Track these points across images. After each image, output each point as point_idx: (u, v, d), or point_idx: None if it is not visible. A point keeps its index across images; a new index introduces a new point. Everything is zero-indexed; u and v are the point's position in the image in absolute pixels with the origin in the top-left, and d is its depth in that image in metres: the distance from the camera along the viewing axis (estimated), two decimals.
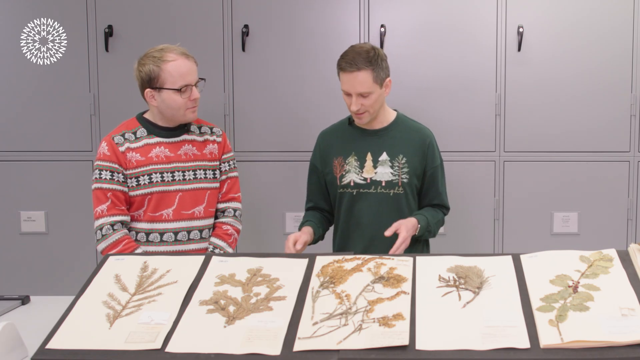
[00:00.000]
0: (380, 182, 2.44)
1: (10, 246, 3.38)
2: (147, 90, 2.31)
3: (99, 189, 2.33)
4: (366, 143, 2.47)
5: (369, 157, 2.45)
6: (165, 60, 2.28)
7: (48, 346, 1.58)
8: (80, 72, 3.29)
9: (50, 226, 3.37)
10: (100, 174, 2.33)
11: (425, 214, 2.45)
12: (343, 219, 2.51)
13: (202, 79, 2.39)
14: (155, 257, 1.93)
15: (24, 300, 2.18)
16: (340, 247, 2.54)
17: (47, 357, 1.55)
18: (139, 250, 2.32)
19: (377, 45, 3.17)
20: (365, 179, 2.45)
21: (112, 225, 2.31)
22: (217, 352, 1.52)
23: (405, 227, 2.30)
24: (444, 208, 2.56)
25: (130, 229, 2.38)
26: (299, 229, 2.49)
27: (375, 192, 2.45)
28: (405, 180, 2.45)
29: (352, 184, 2.45)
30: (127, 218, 2.35)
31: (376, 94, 2.36)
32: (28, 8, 3.27)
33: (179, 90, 2.29)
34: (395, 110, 2.55)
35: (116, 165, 2.33)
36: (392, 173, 2.44)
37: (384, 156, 2.45)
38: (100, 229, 2.32)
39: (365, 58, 2.32)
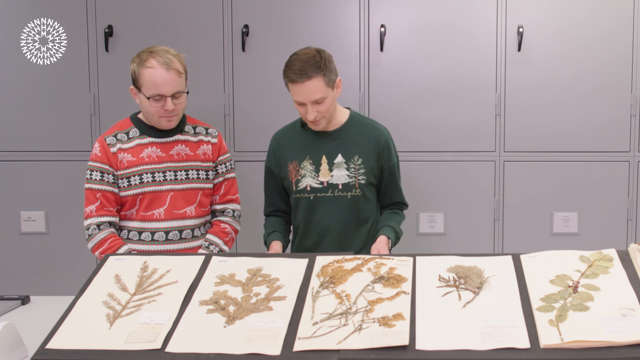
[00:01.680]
0: (337, 185, 2.41)
1: (10, 246, 3.38)
2: (132, 87, 2.34)
3: (89, 189, 2.36)
4: (320, 146, 2.42)
5: (324, 160, 2.41)
6: (145, 66, 2.27)
7: (48, 346, 1.58)
8: (80, 72, 3.29)
9: (50, 226, 3.37)
10: (91, 174, 2.36)
11: (389, 223, 2.42)
12: (303, 224, 2.47)
13: (186, 90, 2.34)
14: (155, 257, 1.93)
15: (24, 300, 2.18)
16: (300, 251, 2.50)
17: (47, 357, 1.55)
18: (125, 247, 2.33)
19: (377, 45, 3.18)
20: (321, 183, 2.41)
21: (98, 225, 2.34)
22: (217, 352, 1.52)
23: (383, 250, 2.29)
24: (403, 205, 2.56)
25: (122, 228, 2.39)
26: (265, 242, 2.47)
27: (332, 196, 2.41)
28: (362, 182, 2.41)
29: (308, 188, 2.42)
30: (114, 219, 2.37)
31: (330, 97, 2.32)
32: (28, 8, 3.27)
33: (149, 98, 2.28)
34: (348, 108, 2.52)
35: (106, 167, 2.34)
36: (348, 175, 2.40)
37: (339, 158, 2.41)
38: (87, 229, 2.35)
39: (313, 65, 2.26)
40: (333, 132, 2.43)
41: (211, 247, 2.43)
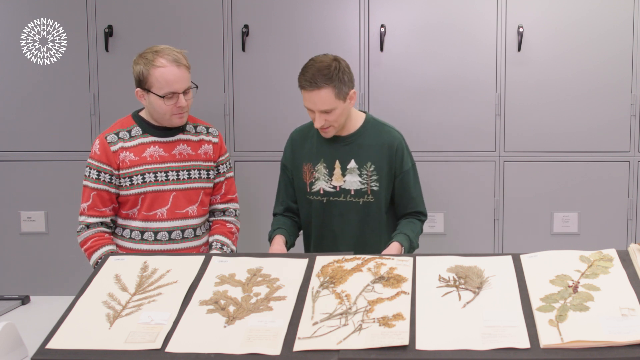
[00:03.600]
0: (349, 190, 2.39)
1: (10, 246, 3.38)
2: (138, 89, 2.33)
3: (85, 186, 2.38)
4: (334, 150, 2.40)
5: (337, 164, 2.39)
6: (155, 65, 2.26)
7: (48, 346, 1.58)
8: (80, 72, 3.29)
9: (50, 226, 3.37)
10: (89, 172, 2.36)
11: (404, 231, 2.37)
12: (316, 227, 2.46)
13: (195, 85, 2.36)
14: (155, 257, 1.93)
15: (24, 300, 2.18)
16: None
17: (47, 357, 1.55)
18: (104, 249, 2.32)
19: (377, 45, 3.18)
20: (334, 187, 2.40)
21: (87, 225, 2.36)
22: (217, 352, 1.52)
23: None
24: (421, 215, 2.47)
25: (124, 227, 2.40)
26: (270, 238, 2.43)
27: (345, 201, 2.39)
28: (374, 189, 2.38)
29: (321, 191, 2.41)
30: (105, 219, 2.37)
31: (340, 109, 2.29)
32: (28, 8, 3.27)
33: (163, 97, 2.28)
34: (364, 112, 2.49)
35: (104, 166, 2.34)
36: (360, 181, 2.38)
37: (352, 164, 2.39)
38: (79, 225, 2.38)
39: (325, 75, 2.24)
40: (347, 137, 2.40)
41: (224, 248, 2.44)
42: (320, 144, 2.43)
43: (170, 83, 2.27)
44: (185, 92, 2.31)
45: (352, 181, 2.38)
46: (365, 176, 2.37)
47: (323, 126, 2.32)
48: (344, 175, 2.39)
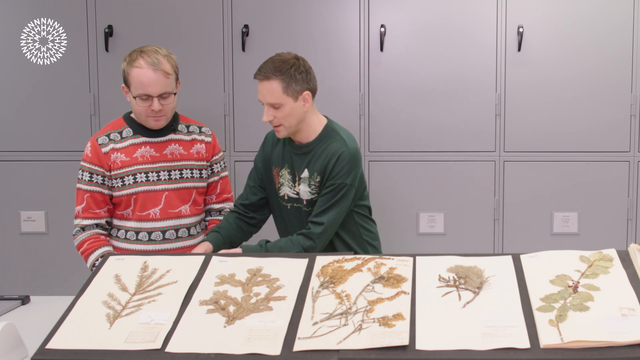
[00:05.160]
0: (303, 199, 2.36)
1: (10, 246, 3.39)
2: (123, 85, 2.35)
3: (78, 189, 2.38)
4: (295, 157, 2.37)
5: (296, 172, 2.37)
6: (133, 66, 2.28)
7: (48, 346, 1.58)
8: (80, 72, 3.29)
9: (50, 226, 3.37)
10: (82, 174, 2.37)
11: (266, 241, 2.30)
12: (284, 231, 2.44)
13: (173, 93, 2.32)
14: (155, 257, 1.93)
15: (24, 300, 2.18)
16: None
17: (47, 357, 1.55)
18: (100, 250, 2.32)
19: (377, 45, 3.18)
20: (297, 194, 2.37)
21: (83, 228, 2.36)
22: (217, 352, 1.52)
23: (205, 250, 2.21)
24: (310, 233, 2.27)
25: (119, 228, 2.40)
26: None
27: (302, 209, 2.38)
28: None
29: (286, 197, 2.40)
30: (100, 220, 2.38)
31: (288, 106, 2.24)
32: (28, 8, 3.27)
33: (136, 97, 2.29)
34: (327, 117, 2.41)
35: (96, 167, 2.35)
36: (310, 192, 2.34)
37: (305, 173, 2.34)
38: (74, 228, 2.38)
39: (277, 67, 2.22)
40: (304, 146, 2.36)
41: None
42: (286, 149, 2.41)
43: (144, 85, 2.27)
44: (162, 97, 2.30)
45: (304, 190, 2.35)
46: (313, 187, 2.34)
47: (272, 123, 2.29)
48: (299, 184, 2.37)
